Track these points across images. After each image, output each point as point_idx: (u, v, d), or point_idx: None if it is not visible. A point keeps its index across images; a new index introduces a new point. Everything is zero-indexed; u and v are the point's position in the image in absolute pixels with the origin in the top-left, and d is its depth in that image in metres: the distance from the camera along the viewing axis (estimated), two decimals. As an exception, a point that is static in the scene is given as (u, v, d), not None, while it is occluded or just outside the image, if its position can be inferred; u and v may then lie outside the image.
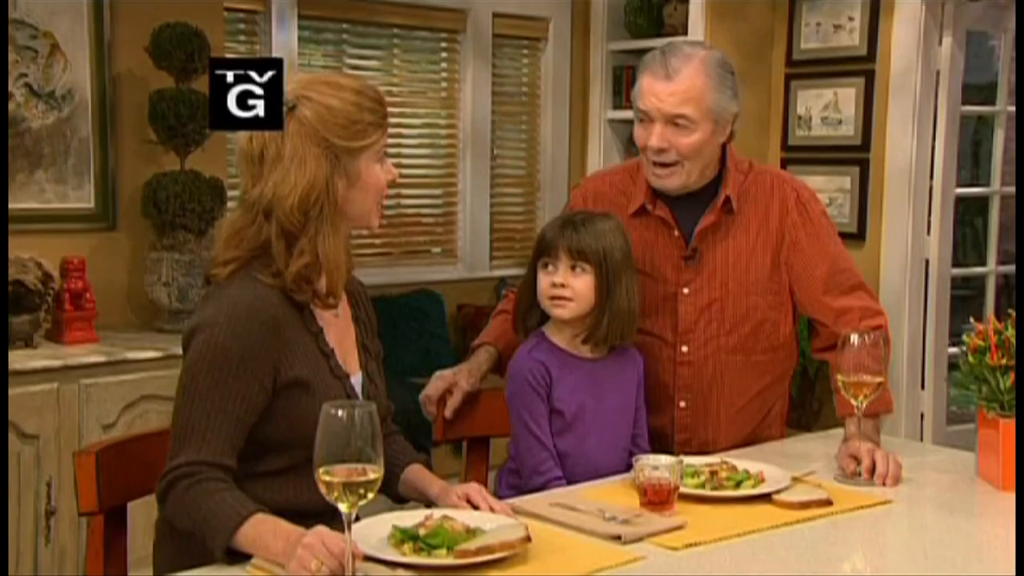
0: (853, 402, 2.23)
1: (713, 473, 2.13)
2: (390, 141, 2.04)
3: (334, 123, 1.89)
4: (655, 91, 2.34)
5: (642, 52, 3.08)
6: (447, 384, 2.50)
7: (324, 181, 1.88)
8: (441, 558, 1.70)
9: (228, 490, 1.80)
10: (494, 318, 2.62)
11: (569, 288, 2.26)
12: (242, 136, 1.94)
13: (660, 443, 2.42)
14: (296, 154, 1.88)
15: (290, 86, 1.93)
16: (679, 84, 2.32)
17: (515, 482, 2.32)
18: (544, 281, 2.29)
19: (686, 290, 2.45)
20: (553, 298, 2.28)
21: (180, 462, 1.82)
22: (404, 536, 1.75)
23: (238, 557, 1.74)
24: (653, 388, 2.43)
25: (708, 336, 2.44)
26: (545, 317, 2.34)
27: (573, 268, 2.26)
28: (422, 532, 1.75)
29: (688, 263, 2.45)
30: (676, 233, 2.45)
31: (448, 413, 2.49)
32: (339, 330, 2.02)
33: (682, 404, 2.47)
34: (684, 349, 2.45)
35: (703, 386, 2.46)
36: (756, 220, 2.45)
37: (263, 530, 1.73)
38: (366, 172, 1.94)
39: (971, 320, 2.31)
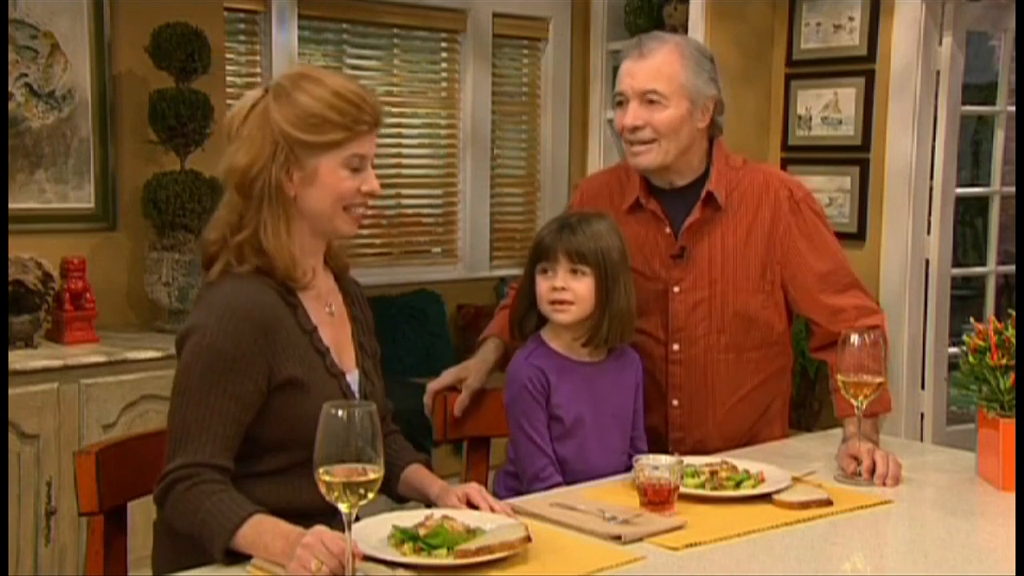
0: (853, 402, 2.23)
1: (713, 473, 2.13)
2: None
3: (292, 113, 1.90)
4: (629, 71, 2.40)
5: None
6: (453, 379, 2.50)
7: (265, 164, 1.89)
8: (441, 558, 1.70)
9: (226, 491, 1.80)
10: (499, 312, 2.61)
11: (570, 292, 2.24)
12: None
13: (654, 442, 2.42)
14: (250, 134, 1.91)
15: (285, 70, 1.98)
16: (651, 62, 2.38)
17: (513, 485, 2.31)
18: (543, 286, 2.27)
19: (676, 288, 2.45)
20: (554, 303, 2.26)
21: (177, 464, 1.82)
22: (404, 536, 1.75)
23: (238, 558, 1.74)
24: (646, 387, 2.42)
25: (699, 334, 2.44)
26: (542, 321, 2.32)
27: (573, 271, 2.25)
28: (422, 532, 1.74)
29: (677, 261, 2.45)
30: (667, 230, 2.46)
31: (457, 412, 2.49)
32: (334, 328, 2.02)
33: (675, 403, 2.47)
34: (675, 347, 2.45)
35: (695, 384, 2.45)
36: (747, 218, 2.45)
37: (262, 530, 1.73)
38: (326, 173, 1.92)
39: (971, 320, 2.31)
